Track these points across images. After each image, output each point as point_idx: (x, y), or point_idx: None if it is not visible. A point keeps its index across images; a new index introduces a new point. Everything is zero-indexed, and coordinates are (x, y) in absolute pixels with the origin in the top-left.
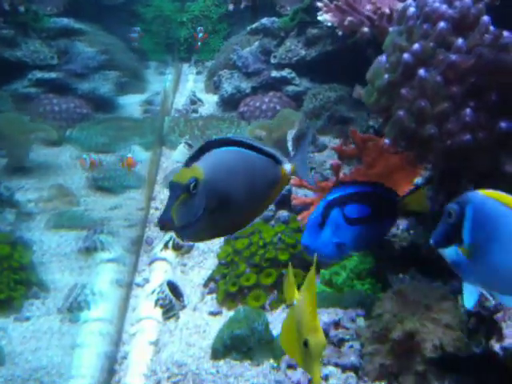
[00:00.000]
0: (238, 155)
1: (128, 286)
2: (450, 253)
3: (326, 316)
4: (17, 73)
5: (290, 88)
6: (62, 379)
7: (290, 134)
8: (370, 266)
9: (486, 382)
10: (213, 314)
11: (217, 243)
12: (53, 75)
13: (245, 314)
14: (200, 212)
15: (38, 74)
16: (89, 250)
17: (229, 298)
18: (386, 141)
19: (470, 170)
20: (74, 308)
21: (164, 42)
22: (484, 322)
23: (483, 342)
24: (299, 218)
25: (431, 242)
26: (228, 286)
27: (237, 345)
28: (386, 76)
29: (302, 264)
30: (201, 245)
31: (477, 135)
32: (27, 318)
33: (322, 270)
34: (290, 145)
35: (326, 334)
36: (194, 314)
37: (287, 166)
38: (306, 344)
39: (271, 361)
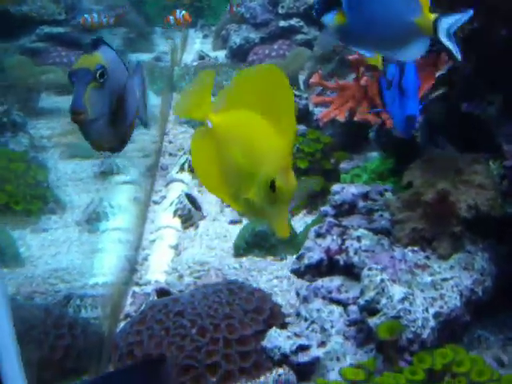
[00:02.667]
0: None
1: (146, 203)
2: (329, 18)
3: (352, 188)
4: (24, 28)
5: (299, 37)
6: (84, 277)
7: (301, 78)
8: (391, 167)
9: None
10: (233, 222)
11: None
12: (61, 30)
13: None
14: (108, 106)
15: (46, 29)
16: (105, 174)
17: None
18: None
19: None
20: (92, 219)
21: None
22: None
23: None
24: (319, 115)
25: (314, 13)
26: None
27: (259, 242)
28: None
29: (321, 172)
30: None
31: None
32: (45, 230)
33: (343, 175)
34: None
35: (354, 205)
36: (213, 224)
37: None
38: (272, 187)
39: (295, 256)
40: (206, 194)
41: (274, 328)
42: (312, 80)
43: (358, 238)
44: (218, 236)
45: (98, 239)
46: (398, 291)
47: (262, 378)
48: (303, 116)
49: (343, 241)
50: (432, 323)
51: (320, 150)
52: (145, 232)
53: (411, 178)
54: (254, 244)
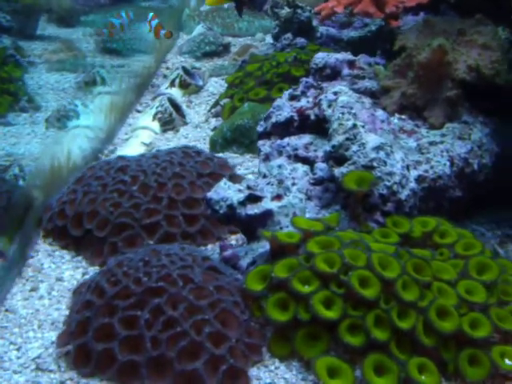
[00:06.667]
0: None
1: (124, 109)
2: None
3: (338, 54)
4: None
5: None
6: (36, 162)
7: None
8: None
9: None
10: (216, 128)
11: None
12: None
13: (250, 107)
14: None
15: None
16: (88, 85)
17: None
18: None
19: None
20: (63, 117)
21: None
22: None
23: None
24: (317, 8)
25: None
26: (234, 101)
27: (238, 137)
28: None
29: None
30: (210, 87)
31: None
32: (10, 124)
33: None
34: None
35: (338, 71)
36: (195, 130)
37: None
38: None
39: None
40: (194, 108)
41: (224, 179)
42: None
43: (335, 93)
44: (197, 139)
45: (64, 135)
46: (372, 139)
47: (210, 247)
48: (305, 29)
49: (319, 100)
50: (413, 185)
51: None
52: (120, 133)
53: (405, 41)
54: (232, 140)
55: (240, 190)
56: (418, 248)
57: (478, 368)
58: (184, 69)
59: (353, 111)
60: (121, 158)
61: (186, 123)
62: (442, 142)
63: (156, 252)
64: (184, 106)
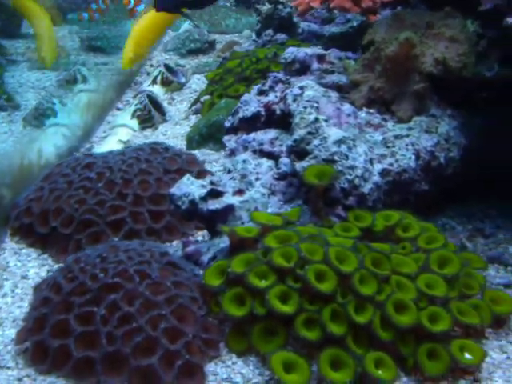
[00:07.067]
0: None
1: (104, 107)
2: None
3: (308, 49)
4: None
5: None
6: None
7: None
8: None
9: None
10: None
11: None
12: None
13: (226, 103)
14: None
15: None
16: (69, 83)
17: None
18: None
19: None
20: (39, 115)
21: None
22: (497, 44)
23: (496, 68)
24: (294, 3)
25: None
26: (214, 98)
27: (214, 133)
28: None
29: None
30: (193, 84)
31: None
32: None
33: None
34: None
35: (308, 66)
36: (174, 127)
37: None
38: None
39: None
40: (176, 105)
41: (187, 175)
42: None
43: (301, 88)
44: (175, 136)
45: (41, 133)
46: (334, 132)
47: (175, 243)
48: (286, 25)
49: (285, 95)
50: (377, 179)
51: None
52: (99, 131)
53: (374, 35)
54: (208, 136)
55: (203, 186)
56: (380, 242)
57: (437, 362)
58: (166, 66)
59: (316, 105)
60: (88, 155)
61: (165, 120)
62: (407, 136)
63: (115, 248)
64: (165, 104)
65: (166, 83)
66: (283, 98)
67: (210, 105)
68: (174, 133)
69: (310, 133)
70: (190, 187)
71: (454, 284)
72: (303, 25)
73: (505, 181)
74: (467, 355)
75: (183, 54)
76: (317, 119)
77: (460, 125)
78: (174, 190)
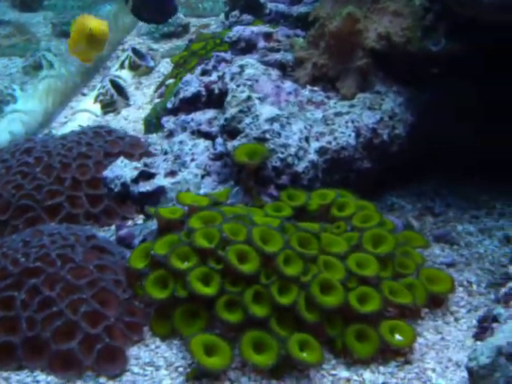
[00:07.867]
0: None
1: (66, 93)
2: None
3: (255, 27)
4: None
5: None
6: None
7: None
8: None
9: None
10: None
11: None
12: None
13: None
14: None
15: None
16: (35, 69)
17: None
18: None
19: None
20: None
21: None
22: (444, 17)
23: (443, 42)
24: None
25: None
26: (177, 81)
27: None
28: None
29: None
30: (161, 68)
31: None
32: None
33: None
34: None
35: (254, 44)
36: (137, 111)
37: None
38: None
39: None
40: (143, 90)
41: (121, 157)
42: None
43: (241, 66)
44: (136, 120)
45: None
46: (267, 110)
47: (113, 227)
48: (253, 6)
49: (223, 74)
50: (313, 157)
51: None
52: (60, 117)
53: (319, 11)
54: None
55: (136, 168)
56: (315, 221)
57: (367, 344)
58: (134, 50)
59: (249, 83)
60: (29, 139)
61: (128, 105)
62: (348, 113)
63: (39, 232)
64: (132, 88)
65: (134, 67)
66: (221, 77)
67: (173, 88)
68: (135, 117)
69: (241, 111)
70: (123, 170)
71: (387, 263)
72: (271, 5)
73: (450, 154)
74: (398, 336)
75: (156, 38)
76: (249, 97)
77: (406, 101)
78: (107, 172)
